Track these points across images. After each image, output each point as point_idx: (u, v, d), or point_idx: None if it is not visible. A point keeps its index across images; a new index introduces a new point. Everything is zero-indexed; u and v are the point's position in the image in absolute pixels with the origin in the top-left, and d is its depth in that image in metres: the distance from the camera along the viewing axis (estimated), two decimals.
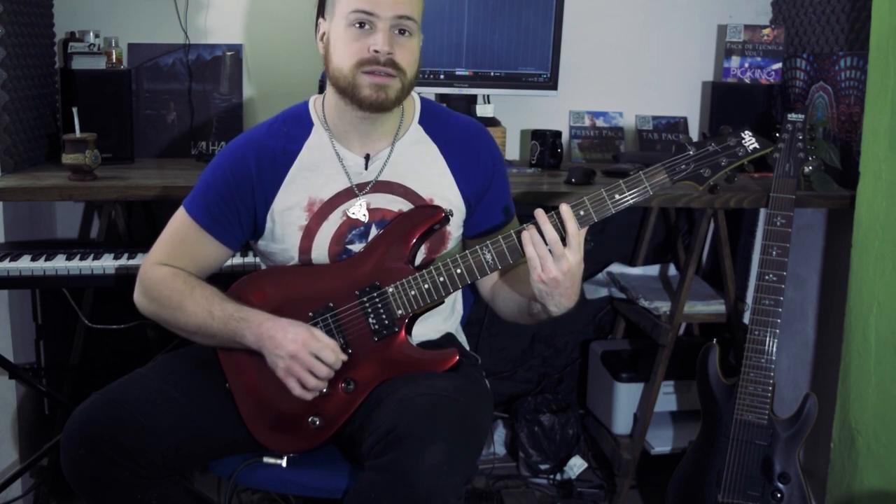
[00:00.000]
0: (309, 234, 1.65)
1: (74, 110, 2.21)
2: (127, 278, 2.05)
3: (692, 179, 1.56)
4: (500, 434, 2.88)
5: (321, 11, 1.64)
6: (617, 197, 1.53)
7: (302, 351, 1.51)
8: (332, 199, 1.65)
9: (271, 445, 1.60)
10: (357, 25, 1.54)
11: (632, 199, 1.53)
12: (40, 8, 2.52)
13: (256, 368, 1.59)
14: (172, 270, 1.65)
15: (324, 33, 1.63)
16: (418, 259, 1.66)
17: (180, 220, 1.68)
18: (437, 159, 1.69)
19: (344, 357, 1.56)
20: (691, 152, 1.56)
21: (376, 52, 1.54)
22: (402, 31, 1.56)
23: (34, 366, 2.45)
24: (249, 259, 2.09)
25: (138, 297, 1.68)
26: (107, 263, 2.05)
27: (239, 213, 1.66)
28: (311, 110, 1.70)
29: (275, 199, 1.65)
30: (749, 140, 1.56)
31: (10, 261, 2.04)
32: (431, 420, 1.39)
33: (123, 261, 2.07)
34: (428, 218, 1.62)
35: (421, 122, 1.71)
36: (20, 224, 2.38)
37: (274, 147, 1.66)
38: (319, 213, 1.65)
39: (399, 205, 1.66)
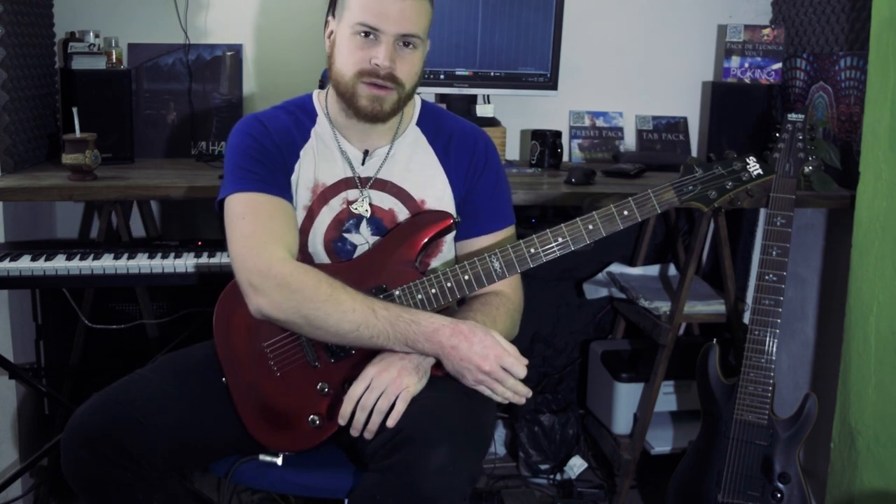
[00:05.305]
0: (311, 215, 1.67)
1: (74, 110, 2.21)
2: (126, 278, 2.06)
3: (698, 200, 1.65)
4: (500, 434, 2.87)
5: (332, 9, 1.65)
6: (626, 213, 1.60)
7: (495, 369, 1.49)
8: (334, 184, 1.67)
9: (269, 444, 1.60)
10: (362, 34, 1.55)
11: (641, 216, 1.61)
12: (40, 8, 2.51)
13: (256, 366, 1.59)
14: (304, 265, 1.56)
15: (331, 31, 1.64)
16: None
17: (242, 205, 1.58)
18: (432, 161, 1.70)
19: (526, 361, 1.53)
20: (698, 174, 1.64)
21: (377, 65, 1.55)
22: (406, 44, 1.58)
23: (34, 366, 2.45)
24: None
25: (273, 294, 1.50)
26: (106, 263, 2.05)
27: (278, 165, 1.63)
28: (315, 102, 1.73)
29: (292, 172, 1.66)
30: (753, 166, 1.67)
31: (10, 261, 2.04)
32: (437, 422, 1.39)
33: (123, 261, 2.06)
34: (436, 222, 1.64)
35: (419, 124, 1.73)
36: (20, 224, 2.38)
37: (288, 124, 1.68)
38: (322, 197, 1.66)
39: (391, 203, 1.67)
